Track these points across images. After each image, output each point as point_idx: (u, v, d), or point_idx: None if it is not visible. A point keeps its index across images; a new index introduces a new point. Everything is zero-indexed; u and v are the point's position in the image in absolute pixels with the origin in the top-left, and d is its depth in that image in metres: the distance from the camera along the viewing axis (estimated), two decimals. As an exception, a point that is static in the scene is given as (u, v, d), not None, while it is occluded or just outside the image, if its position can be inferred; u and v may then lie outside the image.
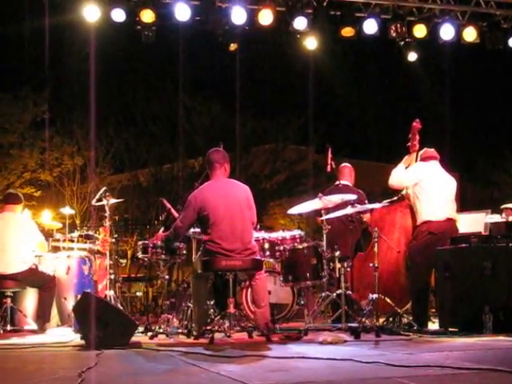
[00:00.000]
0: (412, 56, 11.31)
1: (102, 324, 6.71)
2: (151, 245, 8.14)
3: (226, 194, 7.62)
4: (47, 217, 11.14)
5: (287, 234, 8.96)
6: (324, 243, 8.09)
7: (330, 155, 8.88)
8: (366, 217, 9.13)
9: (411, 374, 4.59)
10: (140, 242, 8.22)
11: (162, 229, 8.49)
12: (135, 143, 25.44)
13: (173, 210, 8.60)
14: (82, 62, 19.69)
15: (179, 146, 25.20)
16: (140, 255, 8.22)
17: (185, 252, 8.26)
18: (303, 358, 5.54)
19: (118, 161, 25.11)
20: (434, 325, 8.47)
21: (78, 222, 21.97)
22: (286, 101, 27.02)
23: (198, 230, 8.18)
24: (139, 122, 25.54)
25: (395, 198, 8.97)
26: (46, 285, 9.08)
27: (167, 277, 8.34)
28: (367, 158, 28.42)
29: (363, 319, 7.69)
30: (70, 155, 23.53)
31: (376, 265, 7.82)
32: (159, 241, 8.09)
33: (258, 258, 7.72)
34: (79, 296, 8.79)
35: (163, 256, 8.14)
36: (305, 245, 8.31)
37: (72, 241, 9.77)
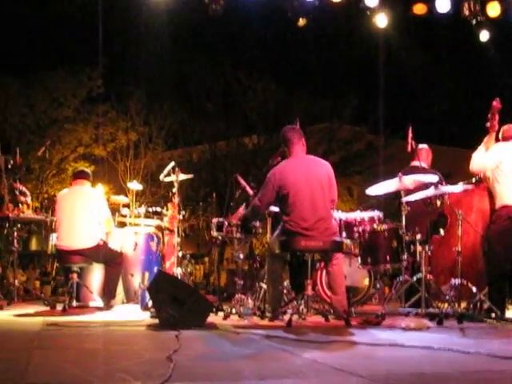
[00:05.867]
0: (484, 35, 10.96)
1: (178, 304, 6.48)
2: (226, 223, 7.91)
3: (307, 172, 7.31)
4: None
5: (365, 215, 8.63)
6: (403, 225, 7.79)
7: (410, 134, 8.49)
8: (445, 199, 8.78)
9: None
10: (215, 220, 7.95)
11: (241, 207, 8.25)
12: (189, 120, 25.31)
13: (247, 188, 8.32)
14: (138, 38, 19.56)
15: (234, 124, 25.02)
16: (214, 233, 7.97)
17: (260, 231, 8.03)
18: (396, 345, 5.25)
19: (172, 137, 25.05)
20: (509, 312, 8.15)
21: (131, 197, 21.93)
22: (346, 80, 26.71)
23: (275, 208, 7.90)
24: (194, 99, 25.39)
25: (473, 180, 8.62)
26: (112, 261, 8.96)
27: (241, 256, 8.07)
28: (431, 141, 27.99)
29: (444, 305, 7.43)
30: (124, 130, 23.51)
31: (459, 249, 7.51)
32: (236, 220, 7.85)
33: (339, 239, 7.42)
34: (146, 273, 8.67)
35: (238, 234, 7.93)
36: (385, 227, 7.99)
37: (137, 216, 9.61)
